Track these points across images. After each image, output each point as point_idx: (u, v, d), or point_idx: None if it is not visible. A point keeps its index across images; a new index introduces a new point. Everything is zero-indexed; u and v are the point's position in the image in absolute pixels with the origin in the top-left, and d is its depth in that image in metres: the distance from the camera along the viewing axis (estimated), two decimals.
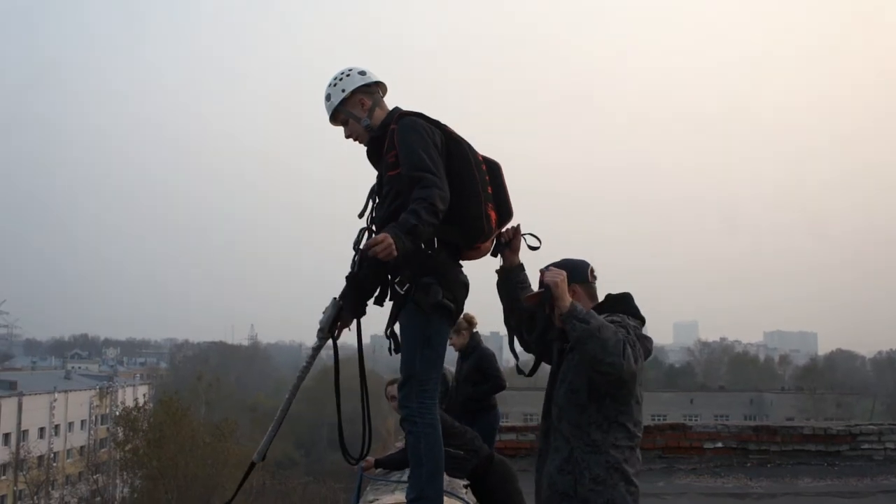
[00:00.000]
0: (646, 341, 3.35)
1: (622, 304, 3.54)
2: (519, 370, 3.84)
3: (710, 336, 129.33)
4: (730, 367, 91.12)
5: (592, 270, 3.64)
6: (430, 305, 3.64)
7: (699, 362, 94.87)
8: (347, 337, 3.97)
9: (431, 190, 3.54)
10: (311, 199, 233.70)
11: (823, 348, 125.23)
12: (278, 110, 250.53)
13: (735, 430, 9.76)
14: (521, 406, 39.34)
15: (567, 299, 3.24)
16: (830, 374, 76.55)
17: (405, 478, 4.01)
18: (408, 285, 3.67)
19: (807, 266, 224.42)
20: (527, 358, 3.98)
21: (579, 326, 3.14)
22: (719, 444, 9.58)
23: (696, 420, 53.26)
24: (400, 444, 7.31)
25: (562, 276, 3.30)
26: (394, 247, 3.38)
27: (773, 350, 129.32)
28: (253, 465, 4.19)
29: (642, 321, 3.51)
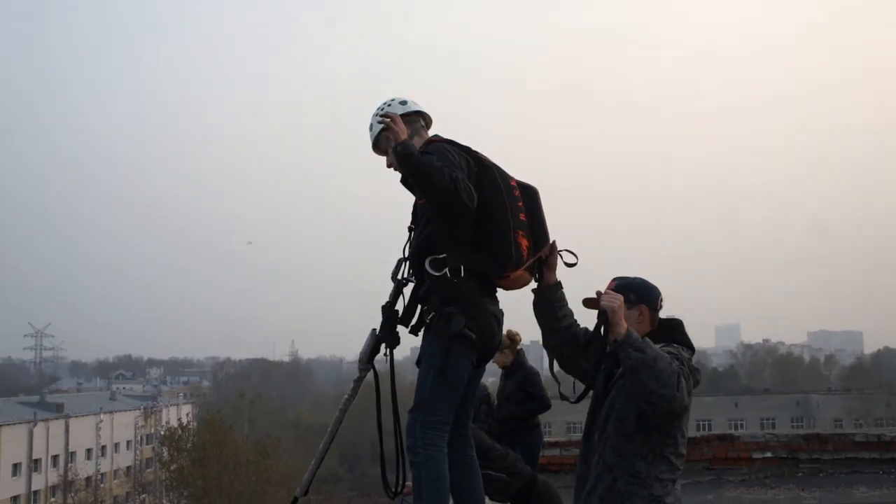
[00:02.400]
0: (696, 373, 3.27)
1: (674, 333, 3.45)
2: (563, 396, 3.72)
3: (753, 338, 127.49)
4: (774, 369, 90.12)
5: (662, 299, 3.53)
6: (450, 334, 3.58)
7: (742, 365, 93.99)
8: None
9: (456, 171, 3.57)
10: (353, 215, 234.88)
11: (870, 347, 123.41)
12: (315, 122, 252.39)
13: (784, 440, 9.49)
14: (563, 415, 38.97)
15: (623, 325, 3.15)
16: (878, 373, 75.37)
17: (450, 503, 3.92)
18: (432, 314, 3.66)
19: (850, 264, 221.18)
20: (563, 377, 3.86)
21: (634, 355, 3.05)
22: (768, 454, 9.32)
23: (742, 425, 52.84)
24: None
25: (619, 300, 3.21)
26: (400, 133, 3.60)
27: (817, 350, 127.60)
28: (296, 500, 4.19)
29: (693, 351, 3.42)
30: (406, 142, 3.58)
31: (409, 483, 5.57)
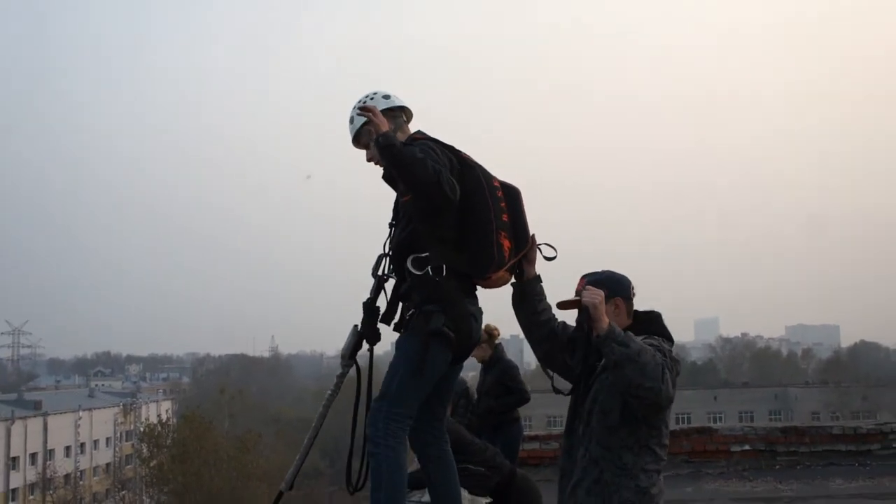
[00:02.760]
0: (677, 364, 3.27)
1: (654, 325, 3.46)
2: (556, 390, 3.69)
3: (732, 332, 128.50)
4: (752, 362, 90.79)
5: (633, 288, 3.55)
6: (428, 332, 3.57)
7: (721, 359, 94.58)
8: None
9: (439, 165, 3.55)
10: (332, 208, 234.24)
11: (846, 341, 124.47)
12: (297, 118, 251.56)
13: (762, 432, 9.57)
14: (544, 409, 39.05)
15: (605, 320, 3.16)
16: (854, 366, 75.90)
17: (425, 498, 3.92)
18: (412, 311, 3.66)
19: (826, 258, 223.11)
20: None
21: (618, 350, 3.07)
22: (747, 447, 9.39)
23: (720, 418, 53.17)
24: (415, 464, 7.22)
25: (600, 296, 3.22)
26: (381, 125, 3.58)
27: (795, 344, 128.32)
28: (281, 494, 4.20)
29: (672, 342, 3.43)
30: (388, 133, 3.55)
31: None
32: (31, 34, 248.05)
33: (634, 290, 3.54)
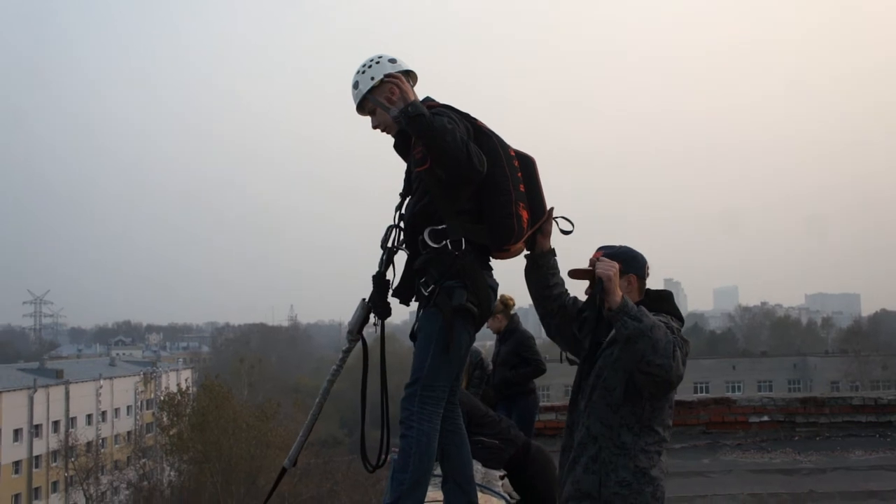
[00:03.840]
0: (686, 344, 3.21)
1: (665, 304, 3.40)
2: (570, 360, 3.66)
3: (751, 301, 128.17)
4: (772, 331, 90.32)
5: (648, 267, 3.49)
6: (451, 309, 3.45)
7: (740, 328, 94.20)
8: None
9: (466, 136, 3.47)
10: (349, 178, 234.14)
11: (867, 309, 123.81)
12: (312, 91, 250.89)
13: (781, 403, 9.46)
14: (562, 378, 38.91)
15: (619, 293, 3.10)
16: (875, 335, 75.54)
17: (437, 471, 3.84)
18: (431, 287, 3.51)
19: (846, 226, 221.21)
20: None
21: (631, 324, 3.01)
22: (765, 418, 9.30)
23: (739, 387, 53.07)
24: None
25: (615, 268, 3.17)
26: (409, 94, 3.48)
27: (815, 313, 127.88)
28: (284, 470, 4.10)
29: (682, 322, 3.38)
30: (416, 101, 3.42)
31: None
32: (36, 14, 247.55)
33: (649, 271, 3.49)
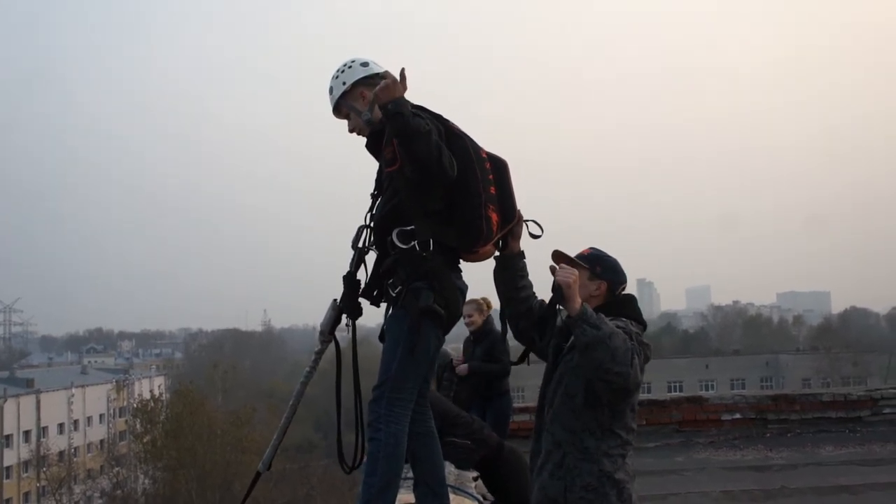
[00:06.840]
0: (646, 348, 3.24)
1: (626, 308, 3.43)
2: (529, 361, 3.75)
3: (723, 300, 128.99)
4: (744, 330, 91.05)
5: (624, 287, 3.52)
6: (418, 311, 3.45)
7: (713, 327, 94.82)
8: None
9: (439, 139, 3.44)
10: (320, 181, 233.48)
11: (837, 307, 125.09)
12: (283, 97, 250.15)
13: (753, 401, 9.56)
14: (537, 379, 38.94)
15: (578, 301, 3.10)
16: (845, 332, 76.12)
17: (409, 474, 3.84)
18: (399, 288, 3.52)
19: (818, 225, 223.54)
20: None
21: (589, 332, 3.00)
22: (737, 416, 9.38)
23: (712, 386, 53.45)
24: None
25: (574, 276, 3.16)
26: (396, 91, 3.33)
27: (786, 311, 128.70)
28: (259, 474, 4.11)
29: (644, 326, 3.40)
30: (401, 99, 3.36)
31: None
32: (28, 23, 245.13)
33: (623, 289, 3.51)
